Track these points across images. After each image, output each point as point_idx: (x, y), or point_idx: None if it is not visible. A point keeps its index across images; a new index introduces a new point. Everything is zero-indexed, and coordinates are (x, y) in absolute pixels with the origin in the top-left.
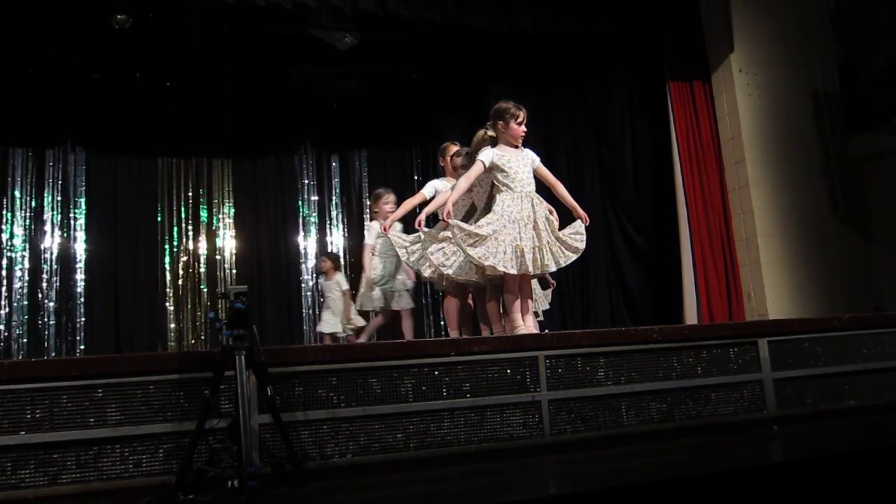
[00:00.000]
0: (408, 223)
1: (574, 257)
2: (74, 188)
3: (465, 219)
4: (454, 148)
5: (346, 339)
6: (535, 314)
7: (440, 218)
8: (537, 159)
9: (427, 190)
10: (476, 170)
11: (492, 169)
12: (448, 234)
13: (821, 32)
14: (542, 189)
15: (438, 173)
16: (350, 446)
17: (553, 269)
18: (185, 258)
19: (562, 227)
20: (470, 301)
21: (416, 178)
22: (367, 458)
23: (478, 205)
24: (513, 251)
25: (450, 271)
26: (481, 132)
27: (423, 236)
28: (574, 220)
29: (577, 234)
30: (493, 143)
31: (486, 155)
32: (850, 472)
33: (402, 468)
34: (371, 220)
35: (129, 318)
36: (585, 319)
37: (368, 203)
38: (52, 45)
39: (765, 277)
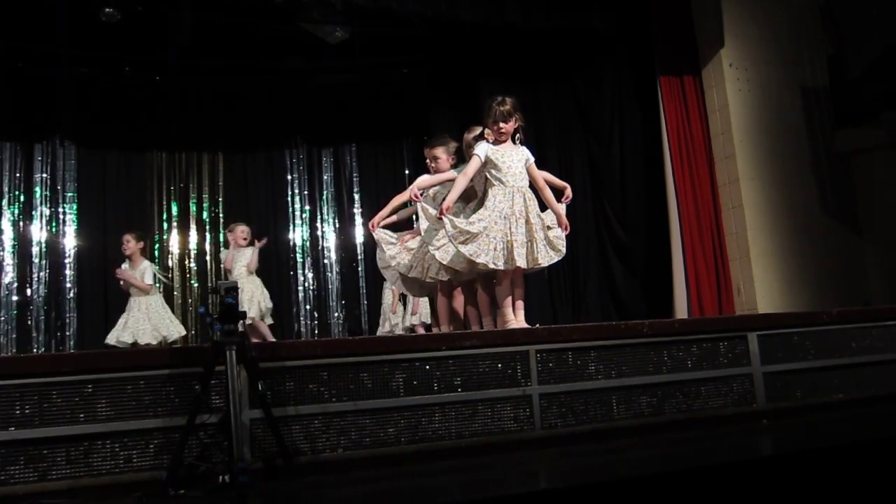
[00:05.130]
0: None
1: (557, 258)
2: (63, 183)
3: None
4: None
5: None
6: None
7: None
8: (531, 158)
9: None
10: (473, 165)
11: (486, 163)
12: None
13: (811, 28)
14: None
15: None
16: (341, 441)
17: (543, 265)
18: (174, 253)
19: None
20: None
21: (406, 172)
22: (359, 452)
23: (477, 189)
24: (503, 247)
25: (443, 258)
26: (476, 131)
27: (431, 248)
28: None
29: (558, 237)
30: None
31: (482, 149)
32: (838, 466)
33: (393, 463)
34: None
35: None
36: (576, 314)
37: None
38: (40, 38)
39: (754, 272)
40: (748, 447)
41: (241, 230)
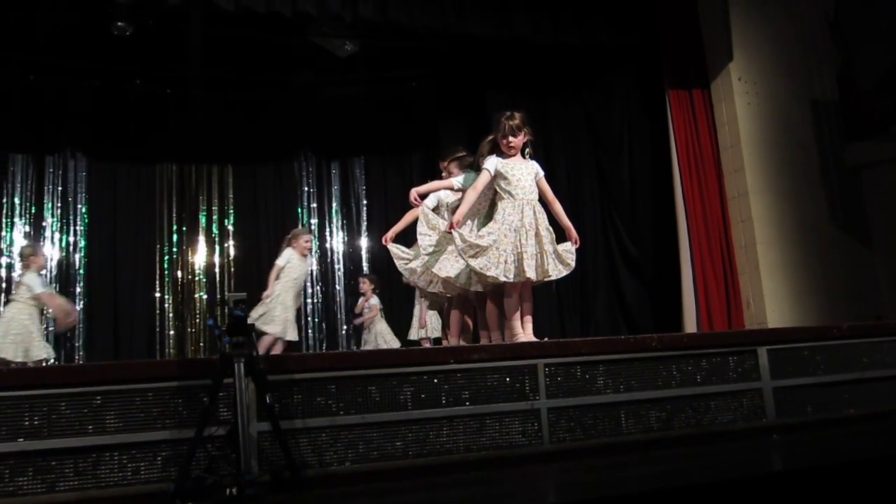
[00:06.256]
0: (409, 235)
1: (566, 272)
2: (74, 194)
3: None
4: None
5: None
6: None
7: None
8: (541, 172)
9: (430, 200)
10: (483, 180)
11: (496, 176)
12: (452, 246)
13: (820, 41)
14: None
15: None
16: (349, 454)
17: (553, 277)
18: (184, 265)
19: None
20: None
21: (415, 185)
22: (366, 465)
23: (477, 210)
24: (514, 259)
25: (459, 282)
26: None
27: (422, 251)
28: (565, 240)
29: (568, 251)
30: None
31: (491, 163)
32: (849, 482)
33: (400, 476)
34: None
35: (128, 324)
36: (584, 327)
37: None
38: (52, 51)
39: (764, 285)
40: (758, 462)
41: (307, 238)
